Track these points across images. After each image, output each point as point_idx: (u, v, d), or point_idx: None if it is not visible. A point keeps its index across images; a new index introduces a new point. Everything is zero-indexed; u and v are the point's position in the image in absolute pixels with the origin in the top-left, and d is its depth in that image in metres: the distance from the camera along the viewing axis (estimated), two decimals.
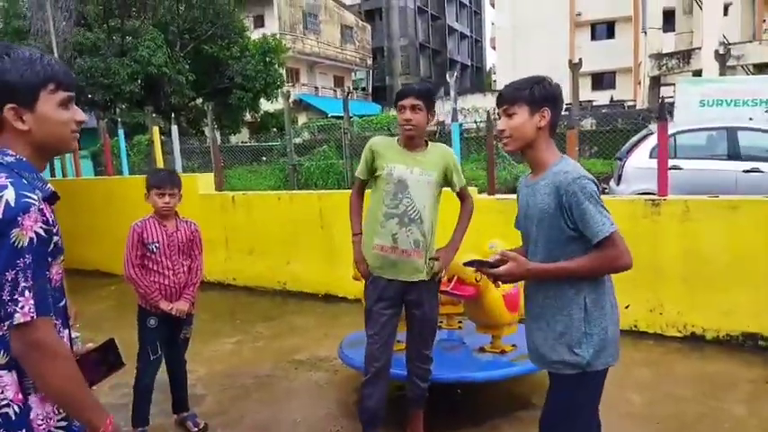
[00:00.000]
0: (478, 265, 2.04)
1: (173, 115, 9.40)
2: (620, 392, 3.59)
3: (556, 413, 2.05)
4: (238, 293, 6.47)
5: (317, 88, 34.86)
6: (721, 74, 7.90)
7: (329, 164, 10.72)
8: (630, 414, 3.33)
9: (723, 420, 3.21)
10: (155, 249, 3.18)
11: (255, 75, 21.32)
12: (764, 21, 22.19)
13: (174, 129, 8.18)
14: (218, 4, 20.53)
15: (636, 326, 4.51)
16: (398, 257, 2.79)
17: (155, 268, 3.19)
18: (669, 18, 23.11)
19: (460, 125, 6.52)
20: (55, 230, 1.30)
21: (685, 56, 20.60)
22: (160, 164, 8.06)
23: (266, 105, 24.09)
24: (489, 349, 3.48)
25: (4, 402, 1.27)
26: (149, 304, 3.19)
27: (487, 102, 27.24)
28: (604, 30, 34.47)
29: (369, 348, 2.89)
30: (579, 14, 34.05)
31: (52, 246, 1.29)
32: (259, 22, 31.09)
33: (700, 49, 18.97)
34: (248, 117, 24.68)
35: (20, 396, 1.28)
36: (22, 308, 1.20)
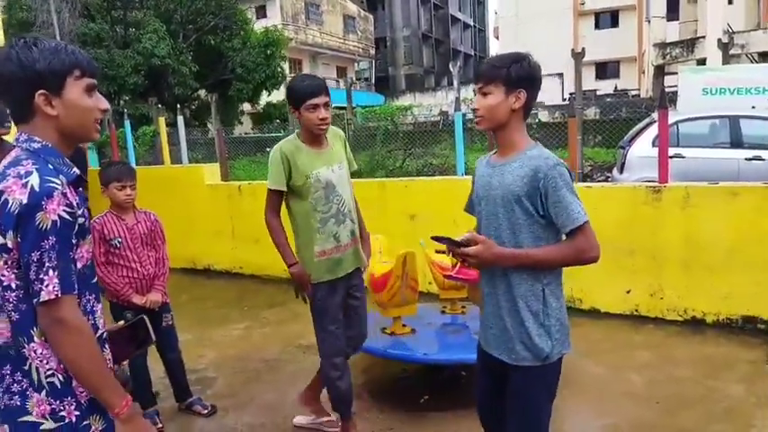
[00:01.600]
0: (447, 242, 1.91)
1: (177, 106, 9.43)
2: (621, 374, 3.68)
3: (516, 405, 1.95)
4: (245, 281, 6.57)
5: None
6: (725, 62, 7.93)
7: None
8: (631, 393, 3.42)
9: (722, 399, 3.29)
10: (118, 244, 3.16)
11: (256, 67, 21.29)
12: None
13: (180, 119, 8.24)
14: None
15: (637, 310, 4.59)
16: (342, 254, 2.83)
17: (122, 263, 3.18)
18: (673, 6, 23.01)
19: (464, 115, 6.56)
20: (80, 213, 1.37)
21: (689, 44, 20.53)
22: (166, 155, 8.14)
23: (269, 96, 24.08)
24: None
25: (50, 372, 1.35)
26: (121, 299, 3.17)
27: None
28: (608, 18, 34.30)
29: (329, 341, 2.85)
30: (583, 3, 33.89)
31: (77, 227, 1.36)
32: (261, 12, 31.00)
33: (704, 37, 18.89)
34: (248, 108, 24.67)
35: (62, 366, 1.36)
36: (47, 286, 1.28)
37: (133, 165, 8.79)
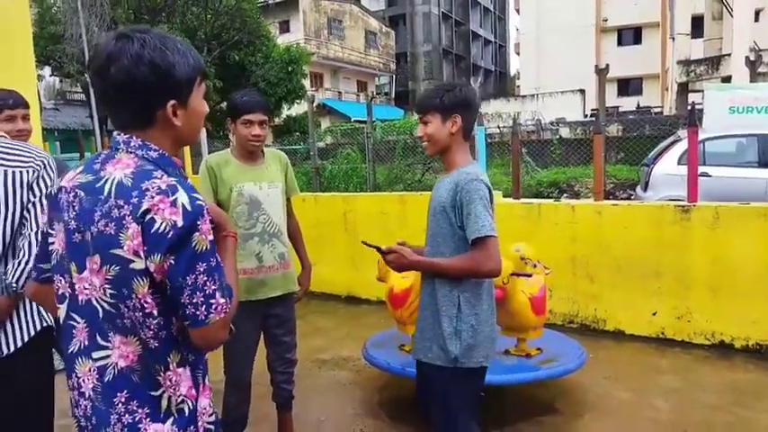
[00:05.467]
0: (375, 248, 2.17)
1: None
2: (646, 398, 3.56)
3: (437, 406, 2.14)
4: None
5: (340, 93, 35.08)
6: (752, 80, 7.77)
7: (352, 167, 10.77)
8: (656, 420, 3.30)
9: (752, 429, 3.16)
10: None
11: (278, 81, 21.56)
12: None
13: (203, 132, 8.32)
14: (245, 12, 20.82)
15: (663, 333, 4.46)
16: (266, 275, 2.73)
17: None
18: (698, 24, 22.79)
19: (485, 130, 6.53)
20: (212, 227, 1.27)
21: (714, 62, 20.30)
22: (189, 166, 8.20)
23: (290, 110, 24.32)
24: (514, 352, 3.47)
25: (181, 399, 1.26)
26: None
27: (511, 107, 27.14)
28: (631, 35, 34.10)
29: (234, 367, 2.80)
30: (606, 20, 33.77)
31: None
32: (284, 27, 31.44)
33: (729, 55, 18.66)
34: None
35: (193, 392, 1.28)
36: (215, 308, 1.20)
37: None
